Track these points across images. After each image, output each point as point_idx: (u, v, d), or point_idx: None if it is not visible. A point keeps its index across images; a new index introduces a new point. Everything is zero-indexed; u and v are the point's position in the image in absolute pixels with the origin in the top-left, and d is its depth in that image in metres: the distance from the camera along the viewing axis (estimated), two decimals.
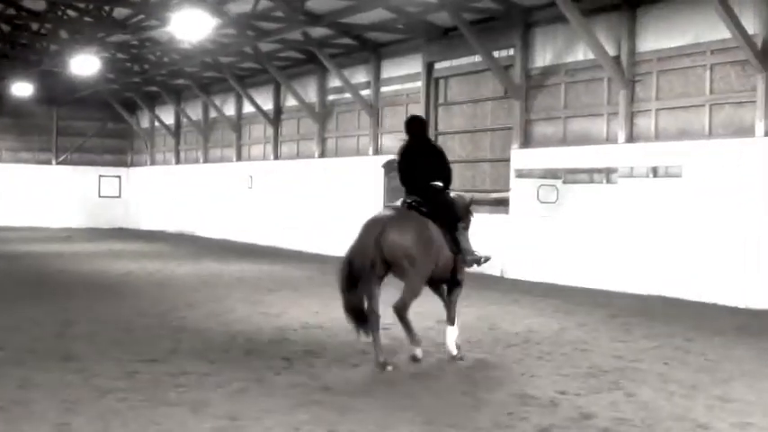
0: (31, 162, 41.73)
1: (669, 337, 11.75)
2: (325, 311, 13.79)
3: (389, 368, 9.37)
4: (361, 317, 9.74)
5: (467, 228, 10.65)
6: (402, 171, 10.34)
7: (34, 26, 29.19)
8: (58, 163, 42.14)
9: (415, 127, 10.52)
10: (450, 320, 10.33)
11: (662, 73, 17.36)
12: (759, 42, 15.30)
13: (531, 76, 20.16)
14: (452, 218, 10.30)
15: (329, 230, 26.61)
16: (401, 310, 9.87)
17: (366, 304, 9.76)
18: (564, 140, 19.37)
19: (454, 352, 10.03)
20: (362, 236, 9.83)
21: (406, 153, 10.36)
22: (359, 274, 9.65)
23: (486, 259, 10.81)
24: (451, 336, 10.19)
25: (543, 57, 19.87)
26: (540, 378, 9.03)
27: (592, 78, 18.81)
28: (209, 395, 8.07)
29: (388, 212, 10.13)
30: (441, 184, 10.29)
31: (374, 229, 9.77)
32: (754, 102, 15.56)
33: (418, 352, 9.86)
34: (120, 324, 12.29)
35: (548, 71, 19.76)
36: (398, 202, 10.38)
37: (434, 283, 10.55)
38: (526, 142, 20.17)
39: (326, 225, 26.81)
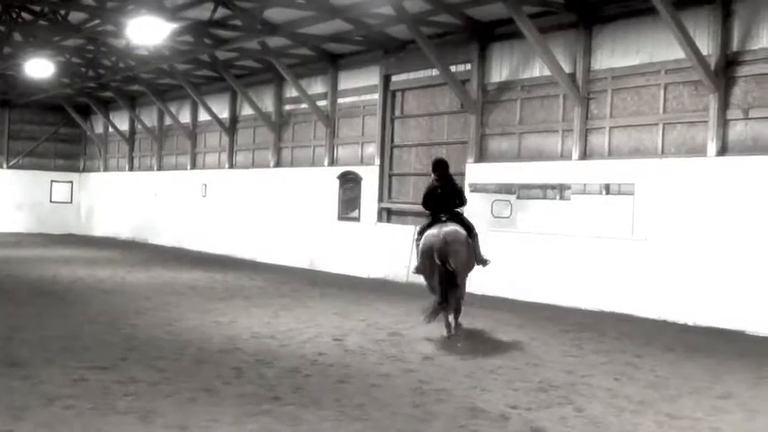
0: None
1: (620, 353, 11.83)
2: (276, 321, 13.74)
3: (459, 345, 12.15)
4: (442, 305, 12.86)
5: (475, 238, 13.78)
6: (435, 199, 13.73)
7: None
8: (8, 167, 41.59)
9: (442, 167, 13.93)
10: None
11: (616, 91, 17.52)
12: (712, 63, 15.50)
13: (487, 90, 20.26)
14: (471, 231, 13.66)
15: (283, 240, 26.54)
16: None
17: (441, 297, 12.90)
18: (518, 156, 19.47)
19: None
20: (435, 241, 12.99)
21: (436, 188, 13.74)
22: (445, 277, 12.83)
23: (489, 262, 14.09)
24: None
25: (500, 72, 19.98)
26: (490, 392, 9.05)
27: (547, 95, 18.94)
28: (159, 404, 7.99)
29: (446, 227, 13.19)
30: (461, 209, 14.00)
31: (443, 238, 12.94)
32: (706, 122, 15.74)
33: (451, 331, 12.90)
34: (69, 331, 12.15)
35: (504, 86, 19.87)
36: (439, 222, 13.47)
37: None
38: (481, 157, 20.26)
39: (280, 235, 26.72)
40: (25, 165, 41.85)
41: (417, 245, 13.81)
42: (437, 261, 12.76)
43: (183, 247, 32.17)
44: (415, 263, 14.16)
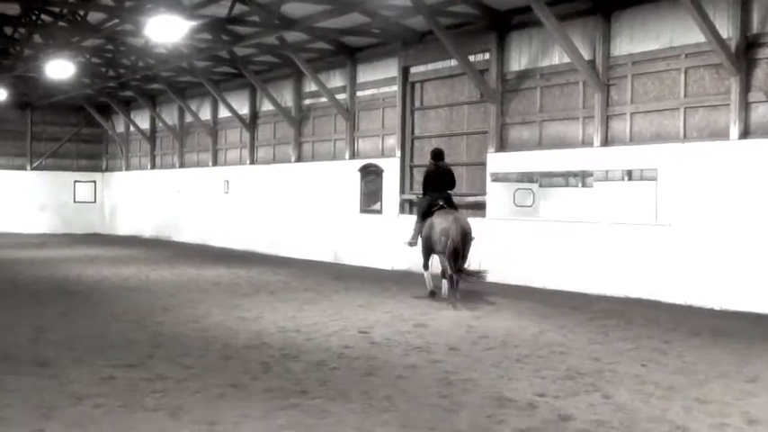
0: (5, 167, 41.41)
1: (646, 339, 11.78)
2: (301, 315, 13.76)
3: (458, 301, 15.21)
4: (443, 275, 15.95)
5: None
6: (432, 181, 16.68)
7: (8, 30, 28.98)
8: (32, 168, 41.85)
9: (438, 155, 16.97)
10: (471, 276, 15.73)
11: (636, 77, 17.43)
12: (733, 46, 15.39)
13: (506, 80, 20.20)
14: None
15: (306, 234, 26.58)
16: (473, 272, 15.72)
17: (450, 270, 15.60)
18: (539, 144, 19.40)
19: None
20: (449, 226, 15.66)
21: (433, 172, 16.78)
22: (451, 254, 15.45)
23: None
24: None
25: (519, 61, 19.91)
26: (518, 381, 9.03)
27: (567, 82, 18.86)
28: (187, 400, 8.02)
29: (452, 213, 16.15)
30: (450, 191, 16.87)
31: (456, 222, 15.71)
32: (728, 105, 15.64)
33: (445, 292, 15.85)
34: (95, 330, 12.20)
35: (523, 75, 19.80)
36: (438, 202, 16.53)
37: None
38: (502, 146, 20.20)
39: (303, 229, 26.76)
40: (48, 166, 42.09)
41: (419, 225, 16.80)
42: (453, 246, 15.36)
43: (207, 243, 32.27)
44: (411, 238, 17.35)
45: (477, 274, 15.69)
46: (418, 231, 16.91)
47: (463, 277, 15.45)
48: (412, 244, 17.24)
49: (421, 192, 17.52)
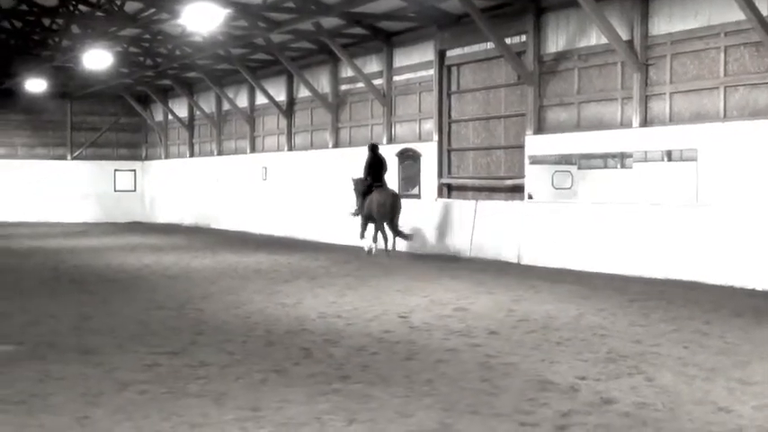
0: (46, 158, 41.88)
1: (688, 321, 11.71)
2: (341, 301, 13.80)
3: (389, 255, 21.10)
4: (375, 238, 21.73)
5: None
6: (373, 170, 21.94)
7: (46, 22, 29.23)
8: (73, 158, 42.27)
9: (375, 148, 22.32)
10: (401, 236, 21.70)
11: (675, 56, 17.27)
12: None
13: (543, 61, 20.09)
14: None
15: (344, 220, 26.60)
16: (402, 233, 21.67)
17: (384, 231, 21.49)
18: (578, 126, 19.29)
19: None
20: (385, 199, 21.39)
21: (373, 162, 22.03)
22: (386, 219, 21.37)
23: None
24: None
25: (556, 42, 19.80)
26: (559, 364, 9.01)
27: (605, 63, 18.72)
28: (230, 386, 8.08)
29: (388, 190, 21.81)
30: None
31: (391, 196, 21.53)
32: None
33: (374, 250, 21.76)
34: (138, 317, 12.31)
35: (560, 56, 19.69)
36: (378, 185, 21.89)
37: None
38: (540, 128, 20.11)
39: (341, 215, 26.79)
40: (89, 155, 42.49)
41: (362, 200, 21.96)
42: (387, 212, 21.26)
43: (246, 230, 32.43)
44: (354, 210, 22.61)
45: (406, 236, 21.58)
46: (360, 205, 22.18)
47: (398, 234, 21.45)
48: (355, 215, 22.62)
49: (364, 174, 22.20)
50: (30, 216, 39.90)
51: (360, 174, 22.55)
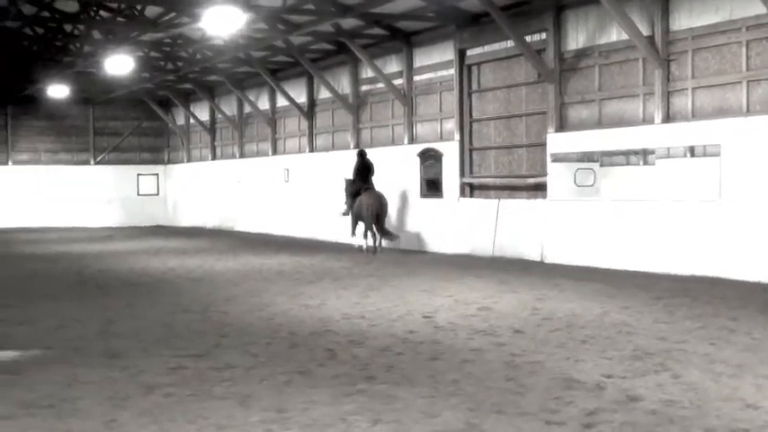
0: (69, 163, 42.13)
1: (713, 318, 11.64)
2: (365, 301, 13.80)
3: (379, 252, 23.01)
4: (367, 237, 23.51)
5: None
6: (361, 174, 24.04)
7: (68, 28, 29.39)
8: (96, 163, 42.51)
9: (363, 154, 24.41)
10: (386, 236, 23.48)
11: (697, 51, 17.17)
12: None
13: (564, 59, 20.03)
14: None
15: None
16: (388, 232, 23.61)
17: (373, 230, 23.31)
18: (599, 123, 19.22)
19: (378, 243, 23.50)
20: (372, 201, 23.21)
21: (362, 167, 24.14)
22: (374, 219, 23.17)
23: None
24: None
25: (576, 39, 19.73)
26: (584, 362, 8.98)
27: (626, 59, 18.65)
28: (256, 388, 8.09)
29: (376, 193, 23.65)
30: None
31: (377, 199, 23.34)
32: None
33: (364, 246, 23.62)
34: (162, 320, 12.35)
35: (581, 53, 19.62)
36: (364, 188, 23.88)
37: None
38: (561, 126, 20.05)
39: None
40: (112, 160, 42.73)
41: (351, 200, 24.07)
42: (374, 213, 23.07)
43: (269, 232, 32.51)
44: (345, 209, 24.66)
45: (391, 236, 23.37)
46: (350, 205, 24.23)
47: (384, 234, 23.25)
48: (345, 214, 24.68)
49: (353, 177, 24.31)
50: (54, 221, 40.17)
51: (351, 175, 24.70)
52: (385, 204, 23.47)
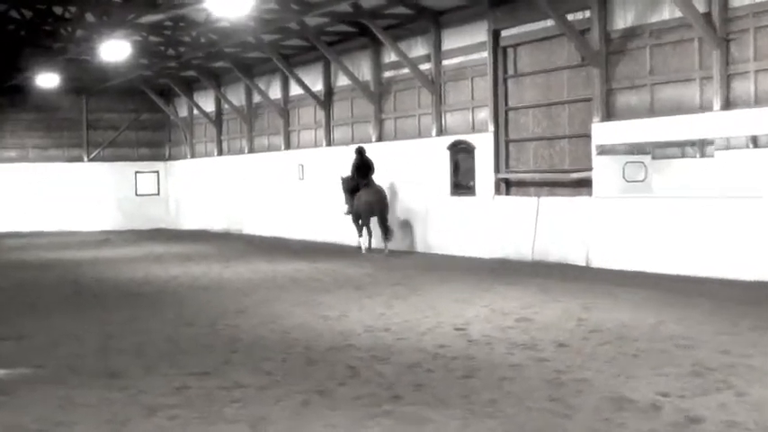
0: (60, 160, 42.35)
1: None
2: (390, 312, 13.81)
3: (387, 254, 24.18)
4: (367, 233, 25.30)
5: None
6: (360, 172, 25.53)
7: (58, 10, 29.53)
8: (89, 159, 42.72)
9: (362, 151, 25.87)
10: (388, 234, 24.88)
11: (759, 30, 17.08)
12: None
13: (610, 39, 19.96)
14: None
15: (391, 222, 26.60)
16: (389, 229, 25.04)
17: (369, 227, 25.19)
18: (651, 111, 19.15)
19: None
20: (371, 197, 24.85)
21: (360, 164, 25.64)
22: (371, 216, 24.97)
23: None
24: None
25: (624, 17, 19.67)
26: (637, 379, 8.95)
27: (680, 39, 18.57)
28: (269, 410, 8.10)
29: (375, 188, 25.23)
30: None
31: (377, 194, 25.01)
32: None
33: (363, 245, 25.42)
34: (166, 335, 12.40)
35: (630, 33, 19.55)
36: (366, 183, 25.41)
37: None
38: (608, 115, 19.98)
39: (387, 216, 26.78)
40: (107, 156, 42.93)
41: (350, 198, 25.63)
42: (373, 209, 24.68)
43: (282, 236, 32.57)
44: (346, 208, 26.08)
45: (387, 235, 24.70)
46: (350, 204, 25.71)
47: (387, 232, 24.59)
48: (348, 213, 26.00)
49: (352, 173, 25.85)
50: (44, 225, 40.35)
51: (348, 173, 26.12)
52: (385, 199, 25.04)
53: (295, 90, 32.89)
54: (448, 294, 15.74)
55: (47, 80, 34.88)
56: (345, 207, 26.31)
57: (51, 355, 11.08)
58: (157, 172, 43.49)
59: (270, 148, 35.36)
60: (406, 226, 25.93)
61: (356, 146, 26.74)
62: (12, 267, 23.73)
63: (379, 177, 27.13)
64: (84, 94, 41.63)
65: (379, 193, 25.06)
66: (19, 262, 25.37)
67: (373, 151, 27.87)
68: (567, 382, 8.91)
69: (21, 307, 15.77)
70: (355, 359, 10.35)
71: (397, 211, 26.21)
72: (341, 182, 26.58)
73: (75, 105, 42.21)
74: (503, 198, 22.88)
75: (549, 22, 21.05)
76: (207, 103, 40.00)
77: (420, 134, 26.43)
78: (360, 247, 25.37)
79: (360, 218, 25.29)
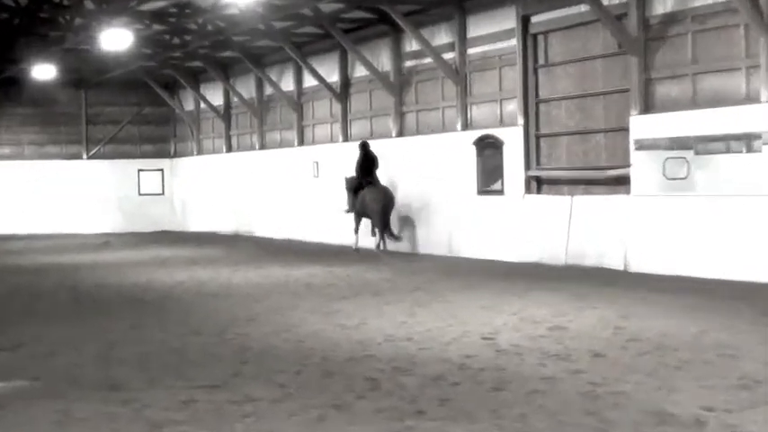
0: (58, 157, 42.51)
1: None
2: (412, 320, 13.81)
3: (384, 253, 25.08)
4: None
5: None
6: (364, 169, 26.26)
7: None
8: (89, 157, 42.87)
9: (366, 146, 26.71)
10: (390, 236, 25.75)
11: None
12: None
13: (649, 25, 19.92)
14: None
15: (411, 224, 26.61)
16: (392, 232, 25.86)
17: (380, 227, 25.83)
18: (693, 102, 19.11)
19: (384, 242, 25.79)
20: (375, 196, 25.50)
21: (364, 160, 26.41)
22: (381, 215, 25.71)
23: None
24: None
25: (664, 2, 19.62)
26: (679, 392, 8.93)
27: (725, 25, 18.51)
28: (283, 425, 8.11)
29: (380, 187, 26.10)
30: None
31: (382, 193, 25.76)
32: None
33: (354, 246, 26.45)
34: (171, 345, 12.43)
35: (670, 19, 19.50)
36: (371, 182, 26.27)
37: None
38: (647, 107, 19.94)
39: (409, 217, 26.80)
40: (108, 153, 43.06)
41: (353, 197, 26.38)
42: (380, 210, 25.25)
43: (295, 238, 32.60)
44: (347, 207, 27.10)
45: (395, 236, 25.72)
46: (352, 202, 26.57)
47: (388, 233, 25.43)
48: (348, 211, 27.05)
49: (354, 171, 26.67)
50: (41, 227, 40.44)
51: (353, 173, 26.82)
52: (391, 199, 25.86)
53: (309, 81, 32.91)
54: (474, 301, 15.73)
55: (43, 72, 35.01)
56: (347, 206, 27.17)
57: (48, 366, 11.12)
58: (162, 170, 43.59)
59: (282, 144, 35.41)
60: (429, 227, 25.92)
61: (360, 141, 27.50)
62: (7, 272, 23.83)
63: (400, 175, 27.19)
64: (83, 86, 41.78)
65: (386, 192, 25.83)
66: (14, 266, 25.47)
67: (394, 147, 27.97)
68: (604, 396, 8.89)
69: (16, 315, 15.84)
70: (375, 371, 10.35)
71: (420, 212, 26.22)
72: (345, 182, 27.37)
73: (74, 99, 42.35)
74: (533, 197, 22.84)
75: (583, 7, 21.01)
76: (214, 95, 40.08)
77: (444, 128, 26.40)
78: (356, 249, 26.25)
79: (362, 217, 26.20)
